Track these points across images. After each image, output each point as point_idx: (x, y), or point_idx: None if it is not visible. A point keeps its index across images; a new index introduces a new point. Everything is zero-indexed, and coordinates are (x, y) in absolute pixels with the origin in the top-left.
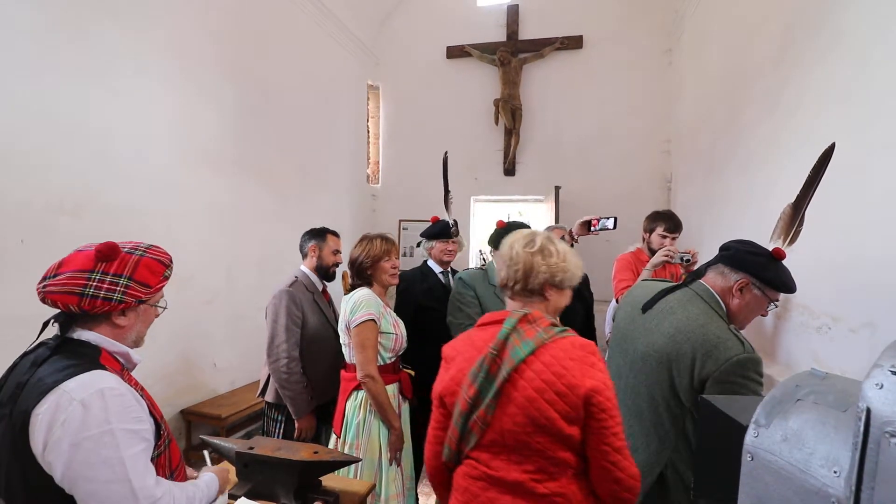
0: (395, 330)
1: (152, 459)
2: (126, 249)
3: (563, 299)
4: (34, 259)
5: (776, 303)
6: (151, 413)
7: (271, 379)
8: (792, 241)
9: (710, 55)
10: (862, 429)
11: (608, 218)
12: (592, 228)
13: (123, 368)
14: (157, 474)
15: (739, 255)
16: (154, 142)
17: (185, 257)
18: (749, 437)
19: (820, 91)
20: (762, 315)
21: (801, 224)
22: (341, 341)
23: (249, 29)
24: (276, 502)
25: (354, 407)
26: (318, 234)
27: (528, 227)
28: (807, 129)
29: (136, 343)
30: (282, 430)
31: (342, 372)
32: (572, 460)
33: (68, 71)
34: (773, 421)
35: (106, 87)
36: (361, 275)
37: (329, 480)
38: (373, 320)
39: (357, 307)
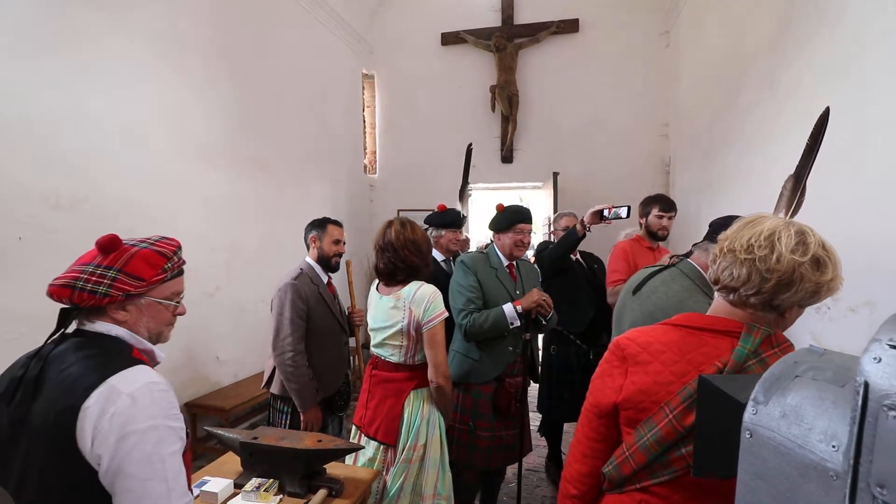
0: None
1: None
2: (129, 242)
3: (796, 318)
4: (33, 256)
5: None
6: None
7: (277, 371)
8: (794, 213)
9: (707, 36)
10: (860, 403)
11: (621, 207)
12: (605, 216)
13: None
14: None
15: (718, 229)
16: (150, 135)
17: (185, 250)
18: (748, 415)
19: (819, 70)
20: None
21: (802, 195)
22: (388, 344)
23: (243, 20)
24: (282, 491)
25: (417, 407)
26: (319, 225)
27: (529, 210)
28: (805, 108)
29: (155, 340)
30: (288, 422)
31: (379, 373)
32: None
33: (62, 66)
34: (772, 398)
35: (100, 80)
36: (420, 267)
37: (334, 468)
38: (445, 318)
39: (432, 307)
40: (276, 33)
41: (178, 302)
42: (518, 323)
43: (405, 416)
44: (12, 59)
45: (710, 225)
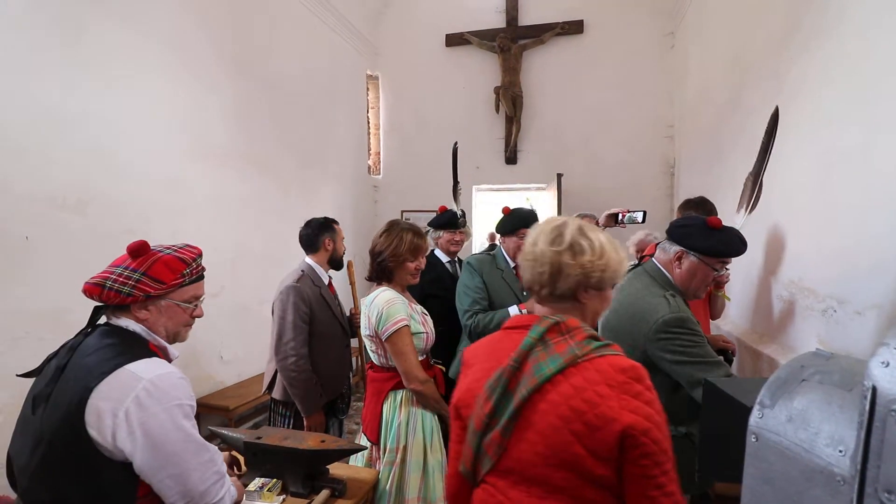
0: (424, 328)
1: None
2: (156, 247)
3: (604, 302)
4: (39, 256)
5: (720, 267)
6: None
7: (279, 376)
8: (752, 209)
9: (712, 37)
10: (868, 407)
11: (637, 211)
12: (620, 220)
13: None
14: None
15: (673, 230)
16: (155, 136)
17: None
18: (753, 418)
19: (825, 70)
20: (717, 280)
21: (760, 191)
22: (367, 347)
23: (248, 21)
24: (286, 491)
25: (394, 408)
26: (328, 227)
27: (535, 213)
28: (811, 109)
29: (172, 339)
30: (290, 427)
31: (370, 373)
32: (606, 502)
33: (68, 67)
34: (778, 402)
35: (105, 82)
36: (381, 269)
37: (337, 469)
38: (406, 325)
39: (385, 316)
40: (281, 35)
41: (196, 305)
42: None
43: (383, 416)
44: (18, 59)
45: (671, 224)
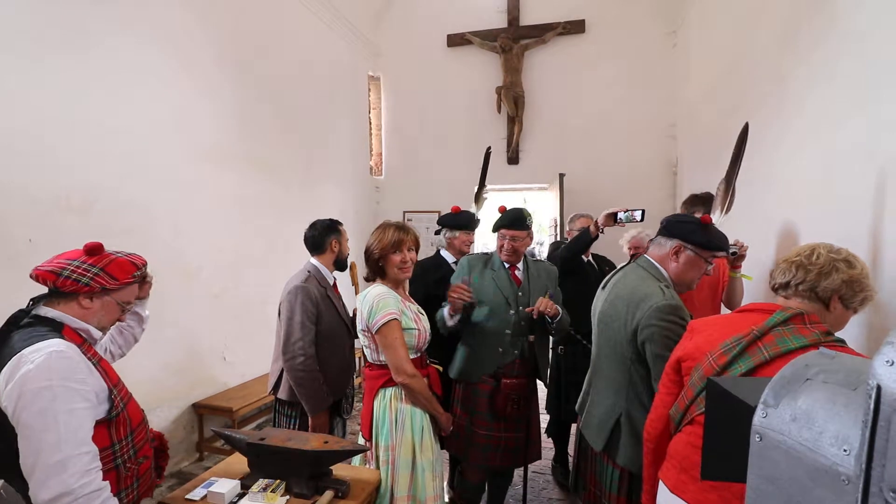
0: (416, 325)
1: (110, 419)
2: (110, 251)
3: (843, 322)
4: (43, 258)
5: (712, 261)
6: (107, 378)
7: (285, 376)
8: (727, 211)
9: (715, 36)
10: (872, 406)
11: (636, 210)
12: (620, 219)
13: (85, 341)
14: (118, 431)
15: (671, 226)
16: (158, 138)
17: (192, 252)
18: (757, 418)
19: (828, 70)
20: (706, 274)
21: (733, 196)
22: (362, 343)
23: (250, 22)
24: (289, 492)
25: (384, 406)
26: (334, 229)
27: (521, 210)
28: (815, 109)
29: (99, 330)
30: (296, 427)
31: (365, 370)
32: None
33: (70, 69)
34: (782, 401)
35: (107, 84)
36: (373, 266)
37: (340, 469)
38: (395, 319)
39: (375, 309)
40: (282, 36)
41: (127, 308)
42: (451, 325)
43: (374, 414)
44: (22, 63)
45: (662, 222)
